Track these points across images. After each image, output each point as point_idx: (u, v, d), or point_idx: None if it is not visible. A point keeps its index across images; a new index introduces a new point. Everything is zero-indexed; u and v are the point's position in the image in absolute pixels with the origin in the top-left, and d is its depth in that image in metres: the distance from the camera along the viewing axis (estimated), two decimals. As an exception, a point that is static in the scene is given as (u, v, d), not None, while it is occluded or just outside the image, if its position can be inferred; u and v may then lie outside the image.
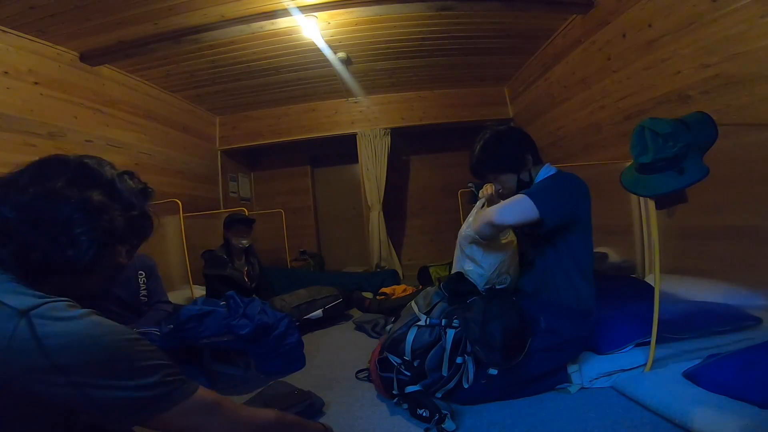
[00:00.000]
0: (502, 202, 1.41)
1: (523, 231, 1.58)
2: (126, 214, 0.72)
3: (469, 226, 1.60)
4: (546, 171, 1.52)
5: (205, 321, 1.74)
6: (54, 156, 0.70)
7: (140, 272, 1.96)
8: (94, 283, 0.74)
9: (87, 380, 0.57)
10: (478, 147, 1.53)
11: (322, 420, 1.31)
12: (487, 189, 1.66)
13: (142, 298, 1.95)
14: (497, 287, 1.55)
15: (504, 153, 1.50)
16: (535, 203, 1.31)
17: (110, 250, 0.73)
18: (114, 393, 0.59)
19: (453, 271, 1.67)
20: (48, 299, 0.59)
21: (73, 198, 0.66)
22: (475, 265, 1.57)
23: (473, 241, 1.57)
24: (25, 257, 0.63)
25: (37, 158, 0.70)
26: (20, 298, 0.58)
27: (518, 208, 1.34)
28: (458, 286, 1.50)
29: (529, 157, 1.50)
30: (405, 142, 5.00)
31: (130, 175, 0.77)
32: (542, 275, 1.49)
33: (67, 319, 0.58)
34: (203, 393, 0.69)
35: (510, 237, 1.62)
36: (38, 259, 0.64)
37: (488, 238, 1.48)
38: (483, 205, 1.63)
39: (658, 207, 1.34)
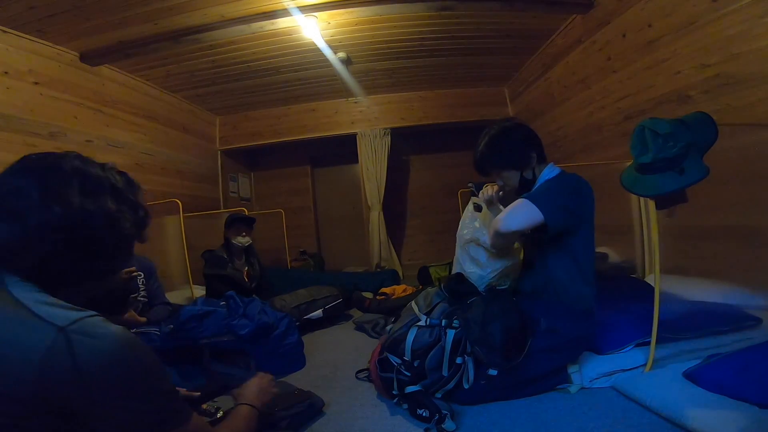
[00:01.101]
0: (505, 209, 1.38)
1: (524, 233, 1.57)
2: (135, 216, 0.73)
3: (466, 227, 1.59)
4: (549, 170, 1.51)
5: (205, 321, 1.74)
6: (37, 159, 0.68)
7: (139, 273, 1.97)
8: (107, 285, 0.76)
9: (105, 397, 0.57)
10: (483, 142, 1.51)
11: (321, 420, 1.32)
12: (488, 190, 1.65)
13: (141, 299, 1.95)
14: (497, 288, 1.54)
15: (509, 149, 1.49)
16: (538, 206, 1.29)
17: (129, 253, 0.76)
18: (124, 414, 0.59)
19: (453, 272, 1.66)
20: (82, 314, 0.59)
21: (95, 210, 0.66)
22: (477, 267, 1.56)
23: (479, 246, 1.55)
24: (50, 269, 0.63)
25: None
26: (54, 311, 0.58)
27: (521, 213, 1.31)
28: (459, 287, 1.50)
29: (534, 154, 1.49)
30: (405, 142, 4.99)
31: (112, 168, 0.76)
32: (543, 276, 1.49)
33: (103, 336, 0.58)
34: (196, 423, 0.70)
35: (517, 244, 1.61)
36: (65, 270, 0.65)
37: (503, 247, 1.45)
38: (477, 208, 1.62)
39: (658, 207, 1.34)
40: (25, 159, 0.67)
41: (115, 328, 0.60)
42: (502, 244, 1.42)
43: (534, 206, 1.30)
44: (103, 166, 0.73)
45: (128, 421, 0.60)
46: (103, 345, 0.57)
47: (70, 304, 0.60)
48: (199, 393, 1.22)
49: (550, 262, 1.47)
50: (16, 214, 0.61)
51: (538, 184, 1.51)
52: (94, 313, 0.61)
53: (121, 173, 0.76)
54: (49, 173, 0.66)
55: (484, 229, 1.49)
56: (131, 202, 0.73)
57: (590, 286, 1.46)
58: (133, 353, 0.61)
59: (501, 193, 1.58)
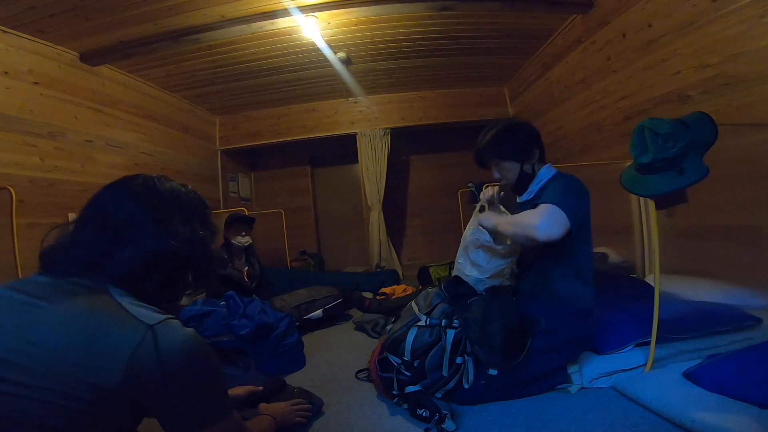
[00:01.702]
0: (533, 214, 1.31)
1: None
2: (213, 236, 0.83)
3: (469, 228, 1.59)
4: (547, 171, 1.51)
5: (205, 321, 1.74)
6: (140, 185, 0.77)
7: None
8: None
9: (177, 387, 0.65)
10: (488, 134, 1.52)
11: (321, 420, 1.32)
12: (489, 190, 1.65)
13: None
14: (497, 287, 1.54)
15: (512, 141, 1.49)
16: (566, 213, 1.26)
17: (213, 270, 0.86)
18: (189, 404, 0.67)
19: (453, 274, 1.67)
20: (165, 316, 0.67)
21: (193, 238, 0.77)
22: (477, 271, 1.56)
23: (480, 247, 1.55)
24: (150, 286, 0.72)
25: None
26: (144, 311, 0.66)
27: (558, 220, 1.26)
28: (458, 289, 1.50)
29: (536, 151, 1.50)
30: (405, 142, 4.99)
31: (189, 189, 0.85)
32: (542, 276, 1.49)
33: (181, 336, 0.66)
34: (235, 416, 0.77)
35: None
36: (161, 288, 0.74)
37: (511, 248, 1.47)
38: (482, 209, 1.62)
39: (658, 207, 1.34)
40: (129, 183, 0.77)
41: (189, 330, 0.69)
42: (508, 249, 1.43)
43: (562, 211, 1.27)
44: (185, 187, 0.83)
45: (189, 411, 0.67)
46: (182, 343, 0.66)
47: (154, 307, 0.69)
48: (261, 388, 1.31)
49: (549, 263, 1.47)
50: (134, 242, 0.71)
51: (536, 182, 1.51)
52: (173, 315, 0.69)
53: (195, 193, 0.85)
54: (154, 200, 0.75)
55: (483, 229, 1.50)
56: (210, 224, 0.84)
57: (589, 286, 1.46)
58: (202, 352, 0.69)
59: (502, 193, 1.58)
